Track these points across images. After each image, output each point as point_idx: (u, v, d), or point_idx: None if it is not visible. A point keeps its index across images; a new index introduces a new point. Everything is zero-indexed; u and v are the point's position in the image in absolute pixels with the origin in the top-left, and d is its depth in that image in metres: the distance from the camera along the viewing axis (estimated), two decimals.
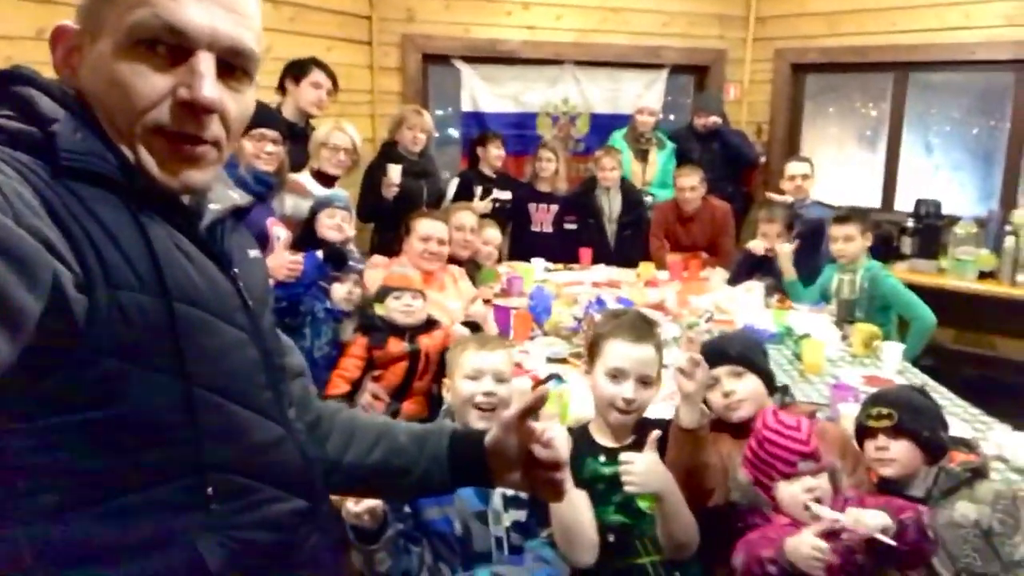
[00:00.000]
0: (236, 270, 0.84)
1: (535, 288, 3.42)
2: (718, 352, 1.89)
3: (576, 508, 1.54)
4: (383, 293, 2.60)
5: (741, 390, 1.82)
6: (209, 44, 0.75)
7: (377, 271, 2.91)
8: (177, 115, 0.74)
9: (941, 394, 2.40)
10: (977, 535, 1.56)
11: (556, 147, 4.53)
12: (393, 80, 4.88)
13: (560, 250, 4.31)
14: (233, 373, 0.79)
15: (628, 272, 4.07)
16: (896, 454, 1.67)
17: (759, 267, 3.75)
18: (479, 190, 4.17)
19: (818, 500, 1.45)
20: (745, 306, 3.32)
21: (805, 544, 1.38)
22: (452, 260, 3.29)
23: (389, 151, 3.89)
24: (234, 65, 0.78)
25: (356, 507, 1.42)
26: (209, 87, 0.74)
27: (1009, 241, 3.96)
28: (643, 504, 1.54)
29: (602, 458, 1.63)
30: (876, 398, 1.79)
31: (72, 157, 0.70)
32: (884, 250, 4.26)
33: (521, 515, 1.65)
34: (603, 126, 5.22)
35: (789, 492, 1.49)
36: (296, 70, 3.43)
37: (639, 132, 4.72)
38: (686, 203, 4.25)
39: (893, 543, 1.36)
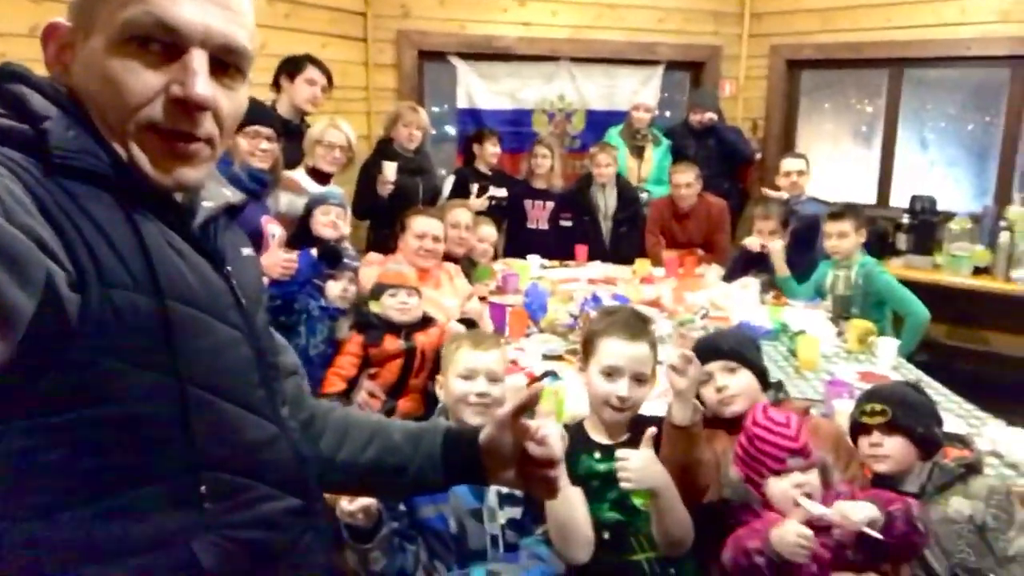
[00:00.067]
0: (229, 268, 0.84)
1: (531, 285, 3.42)
2: (711, 348, 1.89)
3: (571, 505, 1.54)
4: (378, 290, 2.59)
5: (734, 385, 1.83)
6: (202, 41, 0.75)
7: (372, 268, 2.90)
8: (170, 112, 0.74)
9: (936, 390, 2.40)
10: (971, 530, 1.57)
11: (552, 144, 4.53)
12: (388, 77, 4.87)
13: (556, 247, 4.31)
14: (226, 372, 0.79)
15: (624, 269, 4.08)
16: (890, 450, 1.68)
17: (755, 263, 3.75)
18: (475, 187, 4.17)
19: (808, 495, 1.46)
20: (741, 302, 3.33)
21: (790, 533, 1.39)
22: (448, 257, 3.29)
23: (385, 148, 3.89)
24: (227, 62, 0.78)
25: (350, 506, 1.42)
26: (202, 84, 0.74)
27: (1004, 237, 3.98)
28: (638, 501, 1.54)
29: (597, 455, 1.64)
30: (870, 394, 1.80)
31: (64, 155, 0.70)
32: (879, 246, 4.27)
33: (516, 513, 1.65)
34: (599, 122, 5.22)
35: (779, 488, 1.50)
36: (291, 67, 3.42)
37: (635, 129, 4.72)
38: (682, 200, 4.25)
39: (880, 536, 1.37)
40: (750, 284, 3.54)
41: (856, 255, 3.20)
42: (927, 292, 3.28)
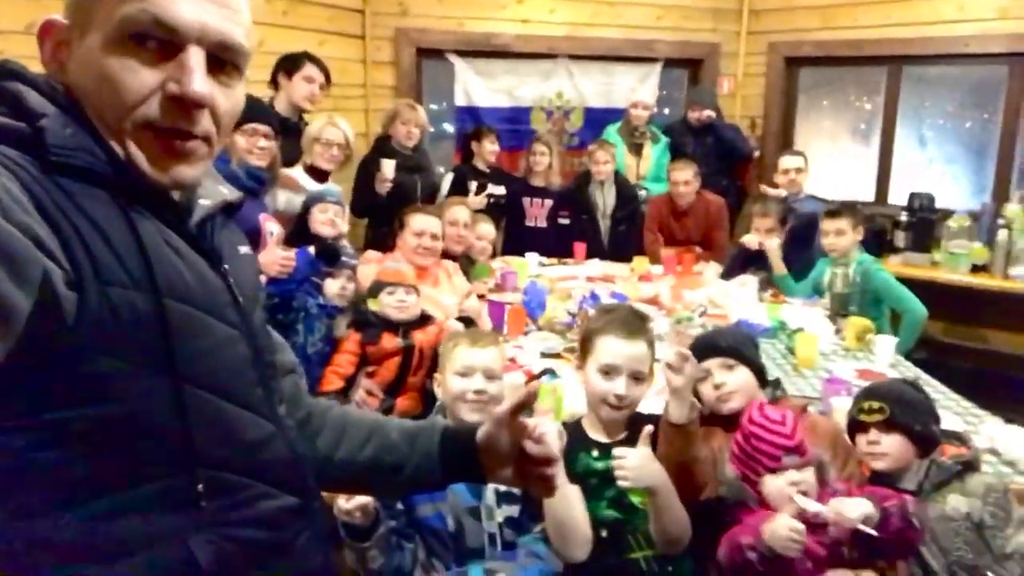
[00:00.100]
0: (226, 266, 0.84)
1: (529, 283, 3.42)
2: (710, 345, 1.90)
3: (569, 503, 1.54)
4: (376, 288, 2.59)
5: (732, 382, 1.83)
6: (199, 39, 0.74)
7: (370, 266, 2.90)
8: (167, 110, 0.74)
9: (934, 387, 2.41)
10: (968, 528, 1.57)
11: (550, 141, 4.53)
12: (386, 74, 4.86)
13: (554, 245, 4.31)
14: (223, 370, 0.79)
15: (622, 267, 4.08)
16: (888, 448, 1.68)
17: (753, 261, 3.75)
18: (473, 185, 4.16)
19: (803, 493, 1.46)
20: (739, 300, 3.33)
21: (782, 527, 1.39)
22: (446, 255, 3.29)
23: (383, 146, 3.88)
24: (224, 60, 0.78)
25: (347, 504, 1.43)
26: (199, 82, 0.74)
27: (1002, 234, 3.98)
28: (636, 499, 1.54)
29: (595, 453, 1.64)
30: (868, 392, 1.80)
31: (61, 153, 0.70)
32: (878, 244, 4.28)
33: (514, 511, 1.65)
34: (597, 120, 5.22)
35: (774, 486, 1.50)
36: (288, 64, 3.41)
37: (633, 126, 4.72)
38: (680, 197, 4.25)
39: (875, 533, 1.37)
40: (748, 282, 3.55)
41: (854, 253, 3.20)
42: (925, 289, 3.29)
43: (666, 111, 5.48)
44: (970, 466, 1.68)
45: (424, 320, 2.63)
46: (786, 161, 4.10)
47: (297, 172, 3.17)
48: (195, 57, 0.74)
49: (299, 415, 0.97)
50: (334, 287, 2.69)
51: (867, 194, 4.99)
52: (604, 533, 1.58)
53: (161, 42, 0.73)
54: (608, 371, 1.63)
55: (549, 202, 4.43)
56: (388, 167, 3.58)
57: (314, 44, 4.01)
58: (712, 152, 4.66)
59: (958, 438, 1.82)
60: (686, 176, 4.18)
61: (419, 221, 3.04)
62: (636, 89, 5.16)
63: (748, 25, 5.18)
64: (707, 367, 1.84)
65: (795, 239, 3.69)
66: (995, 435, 2.00)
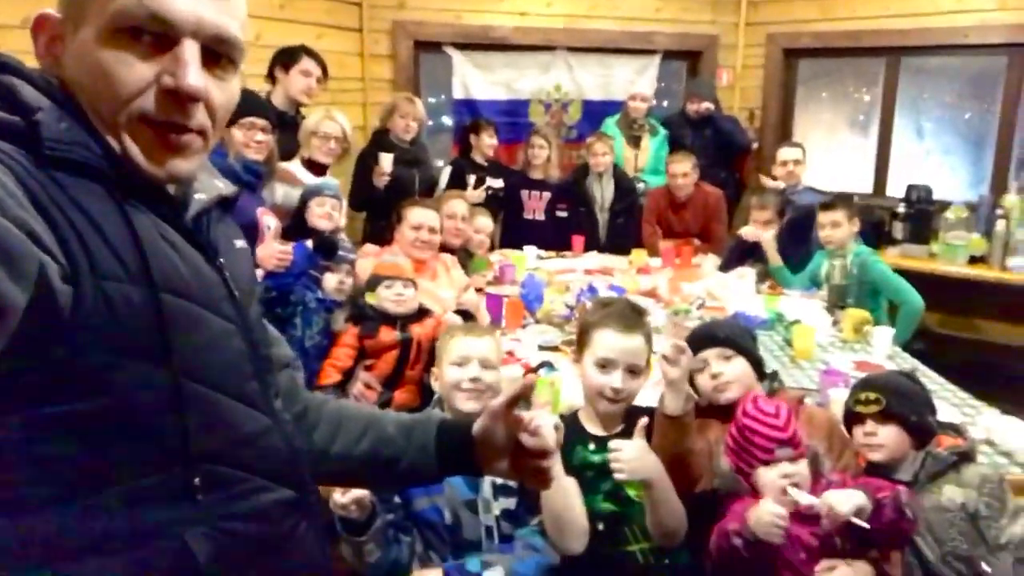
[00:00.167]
0: (222, 260, 0.84)
1: (527, 276, 3.42)
2: (707, 336, 1.90)
3: (566, 496, 1.54)
4: (374, 282, 2.59)
5: (729, 372, 1.83)
6: (194, 32, 0.74)
7: (369, 260, 2.90)
8: (162, 103, 0.74)
9: (931, 378, 2.42)
10: (963, 518, 1.58)
11: (548, 134, 4.52)
12: (384, 67, 4.85)
13: (552, 238, 4.31)
14: (219, 364, 0.79)
15: (621, 259, 4.08)
16: (884, 439, 1.68)
17: (751, 253, 3.76)
18: (472, 179, 4.16)
19: (796, 486, 1.47)
20: (737, 292, 3.33)
21: (765, 512, 1.40)
22: (444, 248, 3.29)
23: (381, 139, 3.87)
24: (219, 53, 0.78)
25: (343, 498, 1.43)
26: (194, 75, 0.74)
27: (999, 225, 3.98)
28: (632, 491, 1.55)
29: (591, 446, 1.64)
30: (864, 383, 1.80)
31: (56, 146, 0.70)
32: (876, 235, 4.28)
33: (511, 503, 1.65)
34: (595, 112, 5.21)
35: (767, 478, 1.50)
36: (285, 58, 3.40)
37: (632, 118, 4.71)
38: (678, 189, 4.25)
39: (867, 526, 1.38)
40: (746, 274, 3.55)
41: (851, 244, 3.21)
42: (923, 281, 3.29)
43: (664, 103, 5.47)
44: (966, 457, 1.69)
45: (422, 313, 2.64)
46: (784, 153, 4.10)
47: (294, 166, 3.16)
48: (190, 50, 0.74)
49: (295, 409, 0.97)
50: (332, 281, 2.69)
51: (865, 186, 4.99)
52: (601, 526, 1.58)
53: (156, 35, 0.73)
54: (604, 365, 1.63)
55: (547, 195, 4.42)
56: (386, 161, 3.57)
57: (311, 37, 4.00)
58: (711, 144, 4.65)
59: (954, 429, 1.82)
60: (684, 168, 4.17)
61: (417, 214, 3.04)
62: (634, 81, 5.16)
63: (747, 16, 5.17)
64: (704, 357, 1.84)
65: (793, 231, 3.69)
66: (991, 426, 2.01)
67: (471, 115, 4.96)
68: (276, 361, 0.94)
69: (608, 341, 1.63)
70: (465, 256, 3.57)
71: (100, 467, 0.70)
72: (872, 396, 1.71)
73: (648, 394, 1.83)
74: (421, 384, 2.56)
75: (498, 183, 4.36)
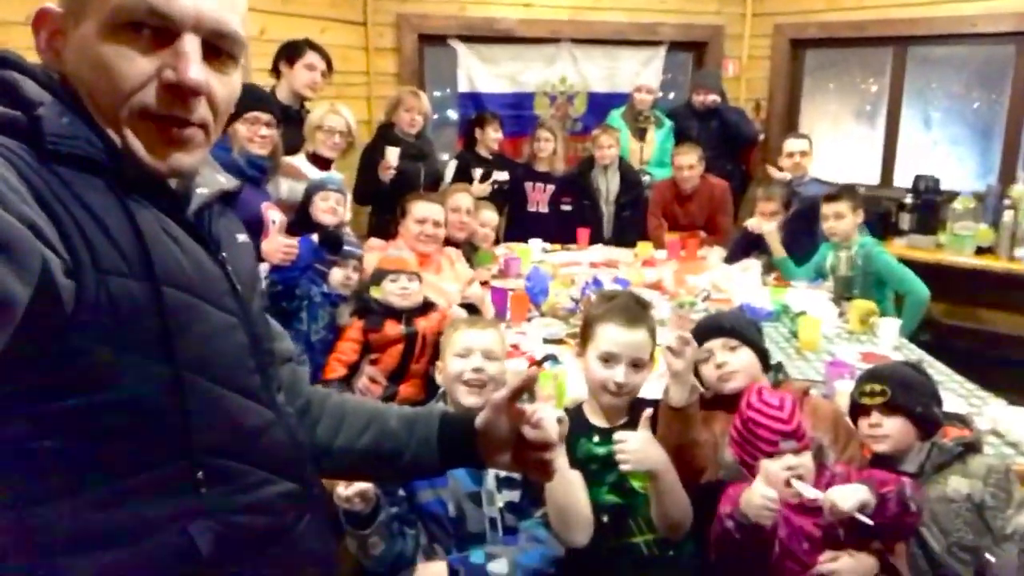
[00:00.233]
0: (224, 254, 0.84)
1: (532, 269, 3.41)
2: (712, 326, 1.90)
3: (571, 489, 1.55)
4: (379, 276, 2.59)
5: (734, 362, 1.83)
6: (194, 26, 0.74)
7: (373, 254, 2.91)
8: (163, 98, 0.74)
9: (938, 369, 2.41)
10: (969, 509, 1.58)
11: (554, 127, 4.51)
12: (389, 61, 4.84)
13: (556, 231, 4.30)
14: (222, 357, 0.80)
15: (626, 252, 4.07)
16: (889, 430, 1.68)
17: (757, 245, 3.74)
18: (478, 172, 4.15)
19: (800, 478, 1.46)
20: (742, 284, 3.32)
21: (756, 495, 1.40)
22: (449, 242, 3.29)
23: (386, 133, 3.87)
24: (220, 48, 0.78)
25: (346, 491, 1.43)
26: (195, 69, 0.74)
27: (1007, 216, 3.96)
28: (636, 483, 1.55)
29: (596, 438, 1.64)
30: (870, 375, 1.80)
31: (58, 141, 0.70)
32: (882, 226, 4.26)
33: (515, 496, 1.66)
34: (600, 105, 5.19)
35: (771, 470, 1.50)
36: (290, 52, 3.40)
37: (637, 110, 4.69)
38: (684, 181, 4.23)
39: (870, 522, 1.38)
40: (752, 266, 3.54)
41: (855, 236, 3.19)
42: (930, 272, 3.27)
43: (671, 95, 5.44)
44: (972, 448, 1.68)
45: (427, 307, 2.64)
46: (791, 144, 4.08)
47: (299, 160, 3.17)
48: (191, 44, 0.74)
49: (298, 403, 0.98)
50: (339, 276, 2.69)
51: (872, 176, 4.96)
52: (605, 518, 1.59)
53: (156, 29, 0.73)
54: (608, 359, 1.63)
55: (551, 187, 4.41)
56: (392, 155, 3.57)
57: (316, 31, 3.99)
58: (716, 136, 4.62)
59: (961, 420, 1.82)
60: (690, 160, 4.15)
61: (421, 208, 3.04)
62: (640, 73, 5.13)
63: (753, 7, 5.13)
64: (709, 347, 1.84)
65: (799, 222, 3.67)
66: (998, 417, 2.00)
67: (476, 108, 4.94)
68: (279, 355, 0.95)
69: (611, 335, 1.63)
70: (470, 250, 3.57)
71: (103, 461, 0.71)
72: (877, 387, 1.70)
73: (653, 386, 1.83)
74: (426, 378, 2.56)
75: (504, 176, 4.35)
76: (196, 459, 0.76)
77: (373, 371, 2.50)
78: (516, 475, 1.61)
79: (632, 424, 1.58)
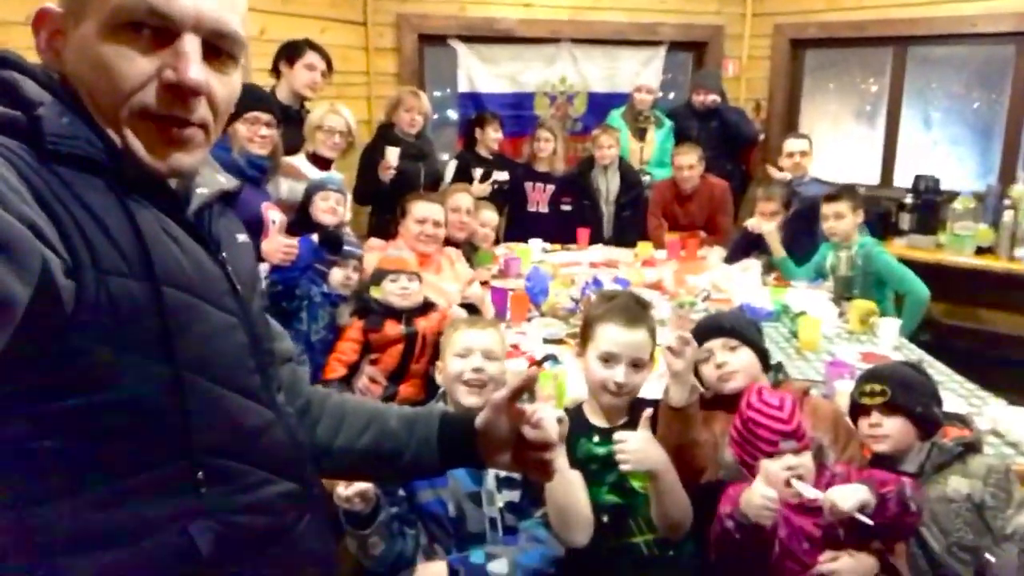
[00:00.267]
0: (224, 254, 0.84)
1: (532, 269, 3.41)
2: (712, 326, 1.90)
3: (571, 489, 1.55)
4: (379, 276, 2.59)
5: (734, 362, 1.83)
6: (194, 26, 0.74)
7: (373, 254, 2.91)
8: (163, 98, 0.74)
9: (938, 369, 2.41)
10: (969, 509, 1.58)
11: (554, 127, 4.51)
12: (389, 61, 4.84)
13: (556, 231, 4.30)
14: (222, 357, 0.80)
15: (626, 252, 4.07)
16: (889, 430, 1.68)
17: (756, 245, 3.74)
18: (478, 172, 4.15)
19: (800, 478, 1.46)
20: (742, 284, 3.32)
21: (756, 495, 1.40)
22: (448, 242, 3.29)
23: (386, 133, 3.87)
24: (220, 48, 0.78)
25: (346, 490, 1.43)
26: (195, 69, 0.74)
27: (1007, 216, 3.96)
28: (636, 483, 1.55)
29: (596, 438, 1.64)
30: (869, 375, 1.80)
31: (58, 141, 0.70)
32: (882, 226, 4.26)
33: (514, 496, 1.66)
34: (600, 105, 5.19)
35: (771, 470, 1.50)
36: (290, 52, 3.40)
37: (637, 110, 4.69)
38: (684, 181, 4.23)
39: (870, 522, 1.38)
40: (752, 266, 3.54)
41: (855, 236, 3.19)
42: (930, 272, 3.27)
43: (671, 95, 5.44)
44: (972, 448, 1.68)
45: (427, 307, 2.64)
46: (791, 144, 4.08)
47: (299, 160, 3.17)
48: (190, 44, 0.74)
49: (298, 404, 0.98)
50: (339, 276, 2.69)
51: (872, 176, 4.96)
52: (605, 518, 1.59)
53: (156, 29, 0.73)
54: (607, 359, 1.63)
55: (551, 187, 4.41)
56: (392, 155, 3.57)
57: (316, 31, 3.99)
58: (716, 136, 4.62)
59: (961, 420, 1.82)
60: (690, 160, 4.15)
61: (421, 208, 3.04)
62: (640, 73, 5.13)
63: (753, 7, 5.13)
64: (709, 347, 1.84)
65: (800, 222, 3.67)
66: (998, 417, 2.00)
67: (476, 108, 4.94)
68: (278, 355, 0.95)
69: (611, 335, 1.63)
70: (470, 250, 3.57)
71: (103, 461, 0.71)
72: (877, 387, 1.70)
73: (653, 386, 1.83)
74: (426, 378, 2.56)
75: (504, 176, 4.35)
76: (196, 459, 0.76)
77: (373, 371, 2.50)
78: (516, 475, 1.61)
79: (632, 424, 1.58)
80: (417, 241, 3.01)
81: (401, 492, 1.62)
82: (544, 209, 4.43)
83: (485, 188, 4.09)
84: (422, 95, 3.96)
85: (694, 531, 1.59)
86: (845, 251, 3.16)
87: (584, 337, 1.72)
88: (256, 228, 2.46)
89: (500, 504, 1.64)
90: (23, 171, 0.66)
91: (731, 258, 3.80)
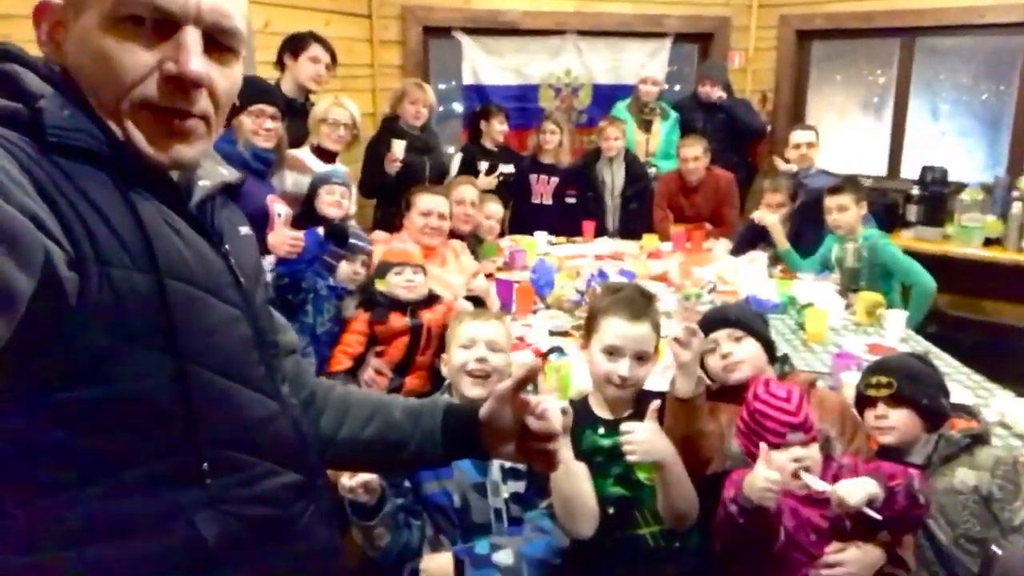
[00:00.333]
0: (227, 247, 0.84)
1: (537, 261, 3.42)
2: (718, 317, 1.90)
3: (576, 480, 1.55)
4: (384, 268, 2.60)
5: (739, 352, 1.82)
6: (195, 19, 0.74)
7: (378, 247, 2.91)
8: (164, 90, 0.74)
9: (945, 361, 2.40)
10: (976, 501, 1.57)
11: (560, 120, 4.49)
12: (393, 53, 4.83)
13: (560, 223, 4.29)
14: (225, 349, 0.80)
15: (631, 244, 4.06)
16: (895, 422, 1.67)
17: (763, 237, 3.73)
18: (484, 165, 4.14)
19: (807, 470, 1.46)
20: (748, 276, 3.31)
21: (758, 478, 1.39)
22: (453, 235, 3.28)
23: (391, 126, 3.87)
24: (220, 40, 0.78)
25: (350, 481, 1.44)
26: (196, 61, 0.74)
27: (1016, 207, 3.94)
28: (643, 475, 1.55)
29: (601, 430, 1.64)
30: (876, 366, 1.79)
31: (59, 133, 0.70)
32: (890, 218, 4.24)
33: (520, 487, 1.66)
34: (605, 97, 5.17)
35: (779, 461, 1.50)
36: (294, 45, 3.39)
37: (643, 102, 4.67)
38: (690, 174, 4.22)
39: (879, 517, 1.37)
40: (758, 258, 3.53)
41: (859, 228, 3.18)
42: (937, 263, 3.26)
43: (676, 87, 5.41)
44: (979, 439, 1.67)
45: (432, 299, 2.64)
46: (797, 136, 4.06)
47: (304, 153, 3.17)
48: (191, 36, 0.74)
49: (302, 395, 0.98)
50: (347, 270, 2.69)
51: (879, 168, 4.94)
52: (611, 510, 1.58)
53: (157, 22, 0.73)
54: (612, 352, 1.62)
55: (555, 180, 4.39)
56: (399, 147, 3.57)
57: (320, 24, 3.98)
58: (722, 128, 4.60)
59: (968, 412, 1.81)
60: (695, 152, 4.14)
61: (426, 201, 3.04)
62: (645, 65, 5.10)
63: None
64: (715, 338, 1.84)
65: (806, 214, 3.65)
66: (1005, 408, 2.00)
67: (481, 101, 4.93)
68: (282, 347, 0.95)
69: (615, 328, 1.62)
70: (475, 242, 3.57)
71: (109, 453, 0.71)
72: (883, 379, 1.69)
73: (658, 378, 1.83)
74: (432, 370, 2.56)
75: (510, 169, 4.34)
76: (201, 450, 0.76)
77: (379, 363, 2.51)
78: (521, 466, 1.61)
79: (638, 415, 1.58)
80: (422, 234, 3.01)
81: (406, 483, 1.63)
82: (549, 201, 4.42)
83: (491, 181, 4.08)
84: (427, 87, 3.95)
85: (700, 523, 1.58)
86: (851, 243, 3.15)
87: (588, 330, 1.72)
88: (261, 221, 2.47)
89: (505, 495, 1.64)
90: (25, 163, 0.66)
91: (737, 250, 3.79)
